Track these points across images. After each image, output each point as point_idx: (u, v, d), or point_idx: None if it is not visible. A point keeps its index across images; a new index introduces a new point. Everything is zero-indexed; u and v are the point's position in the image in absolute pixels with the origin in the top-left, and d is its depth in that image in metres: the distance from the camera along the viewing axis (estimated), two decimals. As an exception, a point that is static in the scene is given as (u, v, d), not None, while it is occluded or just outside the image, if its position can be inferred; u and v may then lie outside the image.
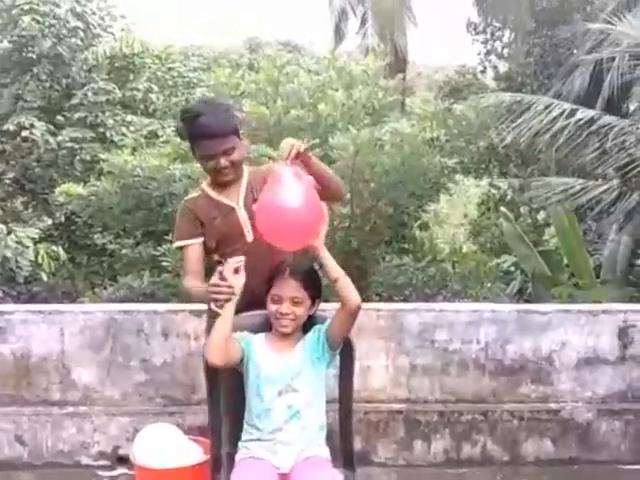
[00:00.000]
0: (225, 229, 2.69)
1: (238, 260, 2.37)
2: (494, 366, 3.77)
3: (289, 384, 2.44)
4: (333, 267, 2.39)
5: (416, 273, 6.07)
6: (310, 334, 2.49)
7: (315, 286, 2.49)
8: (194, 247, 2.72)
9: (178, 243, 2.76)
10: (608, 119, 6.62)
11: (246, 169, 2.80)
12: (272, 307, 2.44)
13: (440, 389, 3.76)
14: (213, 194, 2.74)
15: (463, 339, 3.74)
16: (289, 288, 2.41)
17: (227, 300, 2.35)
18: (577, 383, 3.79)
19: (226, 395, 2.60)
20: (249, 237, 2.68)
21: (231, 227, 2.70)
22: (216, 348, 2.37)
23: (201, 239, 2.72)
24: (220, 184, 2.73)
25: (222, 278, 2.35)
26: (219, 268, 2.38)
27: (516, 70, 11.91)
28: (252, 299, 2.49)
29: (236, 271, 2.35)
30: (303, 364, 2.45)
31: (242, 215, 2.71)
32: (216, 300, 2.38)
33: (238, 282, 2.35)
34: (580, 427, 3.77)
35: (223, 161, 2.65)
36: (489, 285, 6.36)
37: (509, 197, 9.22)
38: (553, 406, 3.78)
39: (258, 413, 2.45)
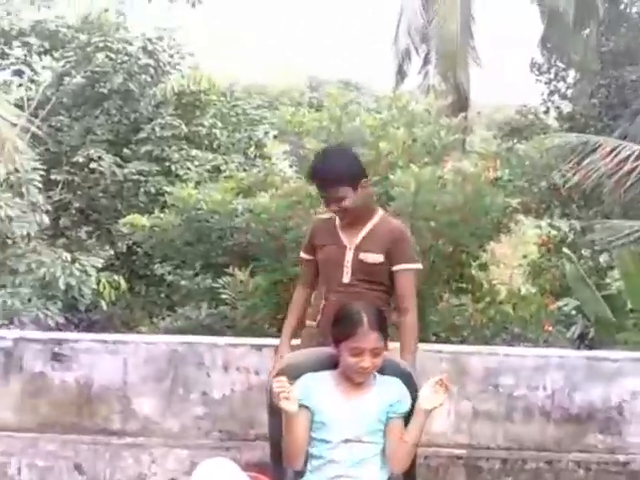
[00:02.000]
0: (330, 259, 2.94)
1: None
2: (560, 414, 3.63)
3: (357, 435, 2.39)
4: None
5: (475, 314, 5.95)
6: (384, 393, 2.43)
7: (386, 330, 2.47)
8: (305, 261, 3.11)
9: (301, 254, 3.15)
10: (677, 162, 6.43)
11: (379, 214, 2.97)
12: (351, 360, 2.37)
13: (503, 436, 3.64)
14: (338, 223, 2.96)
15: (529, 385, 3.63)
16: (371, 340, 2.36)
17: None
18: (648, 435, 3.62)
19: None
20: (346, 278, 2.89)
21: (335, 261, 2.93)
22: (294, 456, 2.40)
23: (311, 257, 3.06)
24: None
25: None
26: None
27: (580, 111, 11.74)
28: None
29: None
30: (372, 418, 2.40)
31: (348, 256, 2.91)
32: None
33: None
34: (651, 482, 3.59)
35: (333, 206, 2.87)
36: (550, 329, 6.19)
37: (570, 239, 9.02)
38: (621, 458, 3.61)
39: (321, 456, 2.41)
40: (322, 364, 2.53)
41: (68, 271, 6.71)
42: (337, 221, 2.96)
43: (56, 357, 3.73)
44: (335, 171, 2.82)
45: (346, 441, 2.39)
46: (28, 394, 3.72)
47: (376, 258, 2.86)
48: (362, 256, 2.88)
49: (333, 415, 2.40)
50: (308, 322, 3.07)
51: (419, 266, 3.03)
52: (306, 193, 6.05)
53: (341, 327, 2.43)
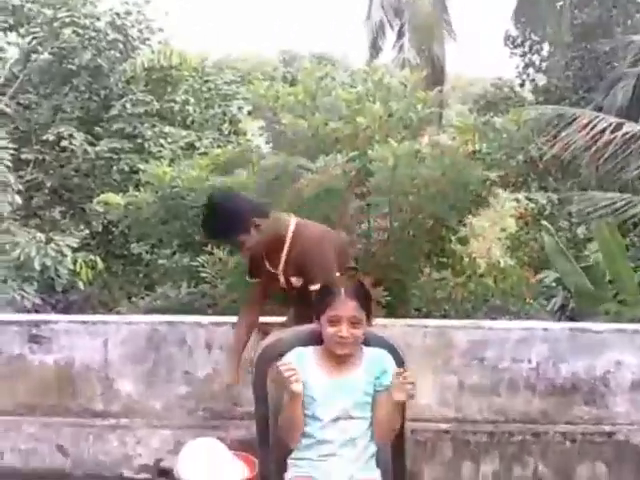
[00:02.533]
0: (270, 281, 3.20)
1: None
2: (545, 386, 3.66)
3: (346, 411, 2.38)
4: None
5: (456, 288, 5.96)
6: (370, 366, 2.42)
7: (369, 304, 2.45)
8: (253, 284, 3.28)
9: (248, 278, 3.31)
10: (655, 133, 6.47)
11: (290, 234, 3.06)
12: (330, 329, 2.36)
13: (489, 409, 3.66)
14: (263, 253, 3.14)
15: (514, 358, 3.64)
16: (348, 309, 2.35)
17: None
18: (633, 405, 3.66)
19: (275, 411, 2.55)
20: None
21: (274, 284, 3.19)
22: (294, 435, 2.40)
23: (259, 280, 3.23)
24: None
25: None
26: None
27: (555, 84, 11.75)
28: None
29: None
30: (360, 393, 2.39)
31: (282, 280, 3.13)
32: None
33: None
34: (636, 451, 3.64)
35: (241, 252, 3.21)
36: (530, 301, 6.22)
37: (548, 211, 9.07)
38: (607, 429, 3.65)
39: (312, 434, 2.39)
40: (309, 340, 2.51)
41: (43, 251, 6.57)
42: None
43: (34, 339, 3.65)
44: (220, 228, 3.00)
45: (336, 419, 2.37)
46: (7, 377, 3.66)
47: (298, 282, 3.05)
48: (290, 280, 3.09)
49: (321, 390, 2.38)
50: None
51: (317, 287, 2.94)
52: (283, 169, 5.97)
53: (321, 298, 2.43)
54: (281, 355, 2.44)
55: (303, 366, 2.38)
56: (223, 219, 2.99)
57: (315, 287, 2.89)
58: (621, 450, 3.63)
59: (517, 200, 9.48)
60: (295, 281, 3.04)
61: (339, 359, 2.40)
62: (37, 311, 6.14)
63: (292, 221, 3.08)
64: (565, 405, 3.66)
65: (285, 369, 2.28)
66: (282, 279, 3.10)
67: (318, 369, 2.41)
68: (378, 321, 3.84)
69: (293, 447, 2.42)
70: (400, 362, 2.52)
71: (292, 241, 3.03)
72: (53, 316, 4.33)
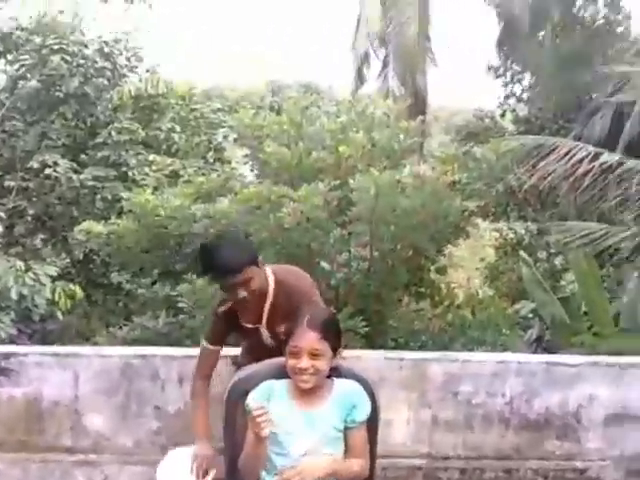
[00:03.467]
0: (250, 339, 3.01)
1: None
2: (519, 421, 3.64)
3: (315, 446, 2.33)
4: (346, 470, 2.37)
5: (433, 319, 5.97)
6: (339, 400, 2.37)
7: (336, 336, 2.38)
8: (212, 352, 3.01)
9: (205, 344, 3.03)
10: (632, 163, 6.53)
11: (271, 285, 2.91)
12: (291, 362, 2.31)
13: (463, 444, 3.63)
14: (239, 315, 2.95)
15: (488, 392, 3.62)
16: (308, 340, 2.28)
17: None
18: (605, 441, 3.65)
19: (242, 449, 2.52)
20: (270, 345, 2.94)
21: (256, 341, 2.97)
22: (256, 472, 2.36)
23: (219, 348, 3.02)
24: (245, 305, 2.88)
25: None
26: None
27: (535, 114, 11.90)
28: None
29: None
30: (329, 428, 2.35)
31: (264, 335, 2.96)
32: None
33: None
34: (608, 488, 3.62)
35: (241, 292, 2.78)
36: (507, 332, 6.23)
37: (526, 241, 9.13)
38: (579, 465, 3.64)
39: (281, 468, 2.35)
40: (281, 373, 2.47)
41: (21, 280, 6.51)
42: (238, 313, 2.96)
43: (3, 372, 3.60)
44: (232, 257, 2.77)
45: (304, 454, 2.33)
46: (-26, 412, 3.59)
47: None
48: (277, 330, 2.88)
49: (289, 426, 2.34)
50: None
51: None
52: (266, 198, 5.98)
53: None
54: (252, 388, 2.41)
55: (272, 400, 2.35)
56: (242, 244, 2.96)
57: None
58: (593, 486, 3.61)
59: (496, 230, 9.53)
60: (282, 331, 2.82)
61: (307, 393, 2.36)
62: (13, 342, 6.05)
63: (269, 270, 2.96)
64: (538, 440, 3.64)
65: (257, 413, 2.23)
66: (265, 333, 2.95)
67: (287, 403, 2.37)
68: (354, 352, 3.84)
69: None
70: (372, 397, 2.49)
71: (275, 292, 2.92)
72: (23, 348, 4.26)
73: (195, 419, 3.01)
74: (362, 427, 2.39)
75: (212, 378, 3.06)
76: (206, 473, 2.81)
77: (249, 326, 2.97)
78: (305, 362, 2.29)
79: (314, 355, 2.29)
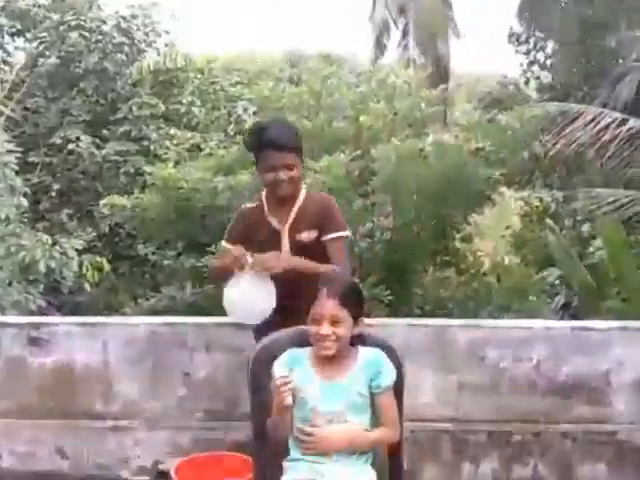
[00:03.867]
0: (266, 247, 2.83)
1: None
2: (546, 385, 3.62)
3: (341, 413, 2.34)
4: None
5: (459, 287, 5.94)
6: (364, 367, 2.36)
7: (356, 303, 2.38)
8: (231, 252, 2.90)
9: (224, 243, 3.00)
10: (660, 128, 6.42)
11: (303, 192, 2.88)
12: (312, 329, 2.33)
13: (490, 408, 3.63)
14: (266, 210, 2.88)
15: (515, 357, 3.61)
16: (328, 307, 2.30)
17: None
18: (634, 404, 3.62)
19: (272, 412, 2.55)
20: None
21: (272, 248, 2.84)
22: (282, 436, 2.36)
23: (241, 248, 2.87)
24: (276, 198, 2.83)
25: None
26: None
27: (560, 80, 11.70)
28: (287, 315, 2.59)
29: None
30: (354, 395, 2.34)
31: (284, 240, 2.87)
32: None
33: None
34: (637, 451, 3.60)
35: (282, 174, 2.77)
36: (534, 299, 6.18)
37: (552, 209, 9.03)
38: (609, 428, 3.62)
39: (300, 428, 2.37)
40: (304, 341, 2.48)
41: (48, 254, 6.59)
42: (265, 207, 2.92)
43: (34, 341, 3.67)
44: (286, 136, 2.81)
45: (331, 422, 2.34)
46: (6, 379, 3.67)
47: (311, 235, 2.85)
48: (298, 237, 2.87)
49: (315, 393, 2.35)
50: None
51: (347, 233, 3.05)
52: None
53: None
54: (276, 357, 2.43)
55: (296, 368, 2.36)
56: (294, 129, 2.96)
57: (333, 235, 2.89)
58: (622, 450, 3.59)
59: (522, 198, 9.43)
60: (306, 236, 2.86)
61: (331, 360, 2.37)
62: (43, 313, 6.16)
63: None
64: (566, 404, 3.62)
65: (279, 382, 2.25)
66: (286, 238, 2.89)
67: (311, 371, 2.37)
68: (379, 320, 3.84)
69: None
70: (397, 362, 2.49)
71: (306, 195, 2.94)
72: (52, 318, 4.36)
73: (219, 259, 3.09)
74: (389, 392, 2.39)
75: None
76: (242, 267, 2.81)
77: (273, 226, 2.90)
78: (326, 328, 2.30)
79: (334, 322, 2.31)
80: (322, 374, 2.37)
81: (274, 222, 2.88)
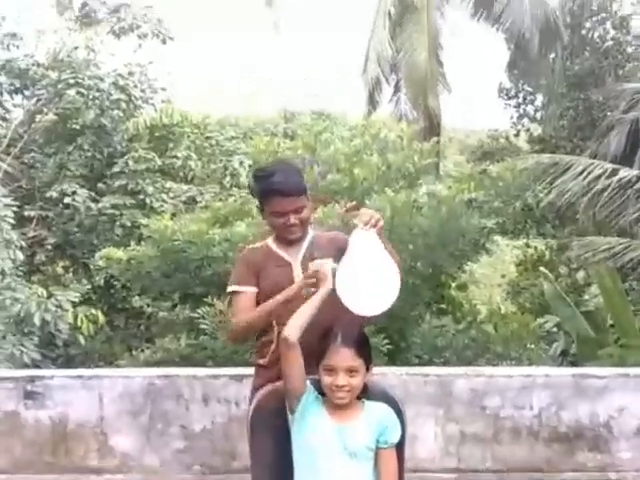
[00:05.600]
0: (278, 281, 2.65)
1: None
2: (548, 433, 3.59)
3: (346, 461, 2.30)
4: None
5: (456, 335, 5.92)
6: (371, 421, 2.33)
7: (368, 352, 2.37)
8: (247, 295, 2.69)
9: (233, 287, 2.73)
10: (650, 179, 6.53)
11: (311, 231, 2.84)
12: (327, 379, 2.28)
13: (492, 457, 3.58)
14: (274, 247, 2.78)
15: (516, 405, 3.58)
16: (343, 358, 2.27)
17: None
18: (638, 451, 3.58)
19: (271, 465, 2.49)
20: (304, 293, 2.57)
21: (284, 281, 2.66)
22: (297, 326, 2.30)
23: (254, 289, 2.69)
24: (285, 241, 2.76)
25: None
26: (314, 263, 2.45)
27: (550, 133, 11.93)
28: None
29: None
30: (361, 446, 2.31)
31: (297, 271, 2.70)
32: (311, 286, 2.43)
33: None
34: (643, 499, 3.55)
35: (292, 219, 2.68)
36: (532, 347, 6.17)
37: (547, 257, 9.09)
38: (613, 476, 3.57)
39: None
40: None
41: (43, 306, 6.58)
42: (273, 247, 2.78)
43: (29, 395, 3.62)
44: (293, 180, 2.72)
45: (335, 469, 2.30)
46: (1, 434, 3.60)
47: (329, 264, 2.57)
48: (310, 266, 2.61)
49: (322, 438, 2.31)
50: (258, 362, 2.79)
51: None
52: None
53: (318, 348, 2.34)
54: (279, 408, 2.39)
55: (311, 408, 2.33)
56: (299, 171, 2.84)
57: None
58: (628, 498, 3.54)
59: (516, 247, 9.52)
60: (328, 264, 2.55)
61: (340, 409, 2.33)
62: (37, 366, 6.10)
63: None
64: (569, 452, 3.58)
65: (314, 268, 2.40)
66: (299, 270, 2.68)
67: (321, 413, 2.33)
68: (378, 369, 3.81)
69: (289, 337, 2.30)
70: (398, 413, 2.47)
71: (316, 233, 2.83)
72: (48, 371, 4.30)
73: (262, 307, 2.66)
74: (393, 450, 2.37)
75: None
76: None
77: (284, 259, 2.73)
78: (341, 379, 2.27)
79: (350, 372, 2.28)
80: (333, 419, 2.33)
81: (284, 255, 2.75)
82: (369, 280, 2.43)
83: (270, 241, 2.81)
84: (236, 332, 2.72)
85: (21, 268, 7.33)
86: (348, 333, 2.33)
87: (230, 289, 2.74)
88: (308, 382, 2.35)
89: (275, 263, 2.72)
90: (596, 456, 3.58)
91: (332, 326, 2.38)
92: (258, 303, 2.67)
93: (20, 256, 6.97)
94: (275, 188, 2.69)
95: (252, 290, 2.69)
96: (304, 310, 2.33)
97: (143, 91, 10.95)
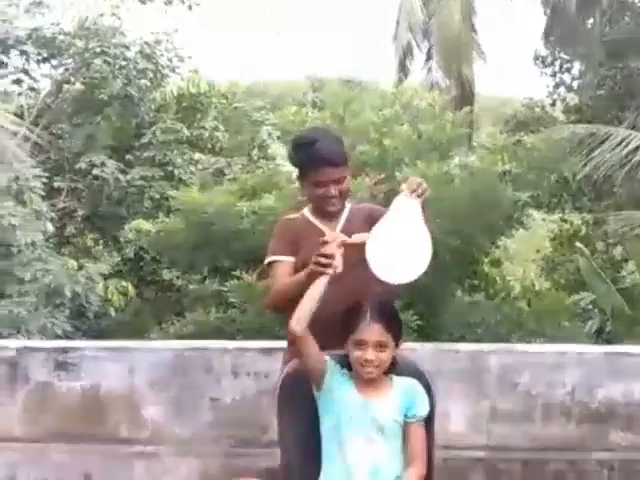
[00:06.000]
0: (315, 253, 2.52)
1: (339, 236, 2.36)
2: (581, 412, 3.53)
3: (374, 436, 2.30)
4: None
5: (489, 311, 5.84)
6: (399, 395, 2.35)
7: (398, 326, 2.38)
8: (285, 264, 2.64)
9: (270, 258, 2.68)
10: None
11: (348, 204, 2.76)
12: (356, 353, 2.30)
13: (523, 436, 3.53)
14: (311, 218, 2.72)
15: (548, 382, 3.52)
16: (373, 332, 2.29)
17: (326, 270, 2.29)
18: (675, 431, 3.51)
19: (299, 440, 2.49)
20: (338, 268, 2.44)
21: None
22: (303, 318, 2.28)
23: (292, 258, 2.64)
24: (323, 213, 2.69)
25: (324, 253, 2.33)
26: (324, 238, 2.38)
27: (587, 102, 11.62)
28: (324, 329, 2.36)
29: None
30: (388, 420, 2.32)
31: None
32: (321, 267, 2.33)
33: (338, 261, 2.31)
34: (678, 479, 3.48)
35: (333, 190, 2.62)
36: (566, 324, 6.08)
37: (583, 232, 8.92)
38: (647, 456, 3.50)
39: (335, 458, 2.32)
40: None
41: (74, 278, 6.66)
42: (310, 217, 2.72)
43: (61, 366, 3.65)
44: (336, 150, 2.63)
45: (362, 443, 2.31)
46: (34, 404, 3.65)
47: (364, 236, 2.50)
48: (349, 240, 2.53)
49: (349, 413, 2.32)
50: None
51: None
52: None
53: (346, 322, 2.35)
54: (306, 383, 2.39)
55: (338, 384, 2.34)
56: (340, 140, 2.74)
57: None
58: (663, 479, 3.48)
59: (552, 221, 9.35)
60: (356, 238, 2.49)
61: (368, 384, 2.34)
62: (68, 338, 6.19)
63: None
64: (602, 431, 3.52)
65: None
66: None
67: (348, 389, 2.35)
68: (408, 345, 3.78)
69: (295, 330, 2.30)
70: (428, 387, 2.45)
71: (351, 206, 2.76)
72: (80, 343, 4.35)
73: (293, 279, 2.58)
74: (421, 424, 2.37)
75: None
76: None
77: (322, 231, 2.64)
78: (371, 354, 2.28)
79: (379, 347, 2.30)
80: (360, 393, 2.33)
81: (322, 227, 2.68)
82: (402, 247, 2.38)
83: (306, 211, 2.75)
84: (272, 300, 2.67)
85: (51, 240, 7.41)
86: (378, 308, 2.34)
87: (268, 260, 2.69)
88: (328, 358, 2.35)
89: (314, 234, 2.61)
90: (629, 436, 3.52)
91: (361, 301, 2.36)
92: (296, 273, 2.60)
93: (50, 228, 7.06)
94: (319, 156, 2.59)
95: (290, 260, 2.64)
96: (305, 301, 2.31)
97: (170, 60, 10.93)
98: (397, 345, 2.35)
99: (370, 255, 2.35)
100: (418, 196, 2.43)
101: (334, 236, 2.44)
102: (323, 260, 2.33)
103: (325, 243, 2.37)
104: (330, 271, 2.31)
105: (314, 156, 2.61)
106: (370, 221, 2.55)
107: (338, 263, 2.33)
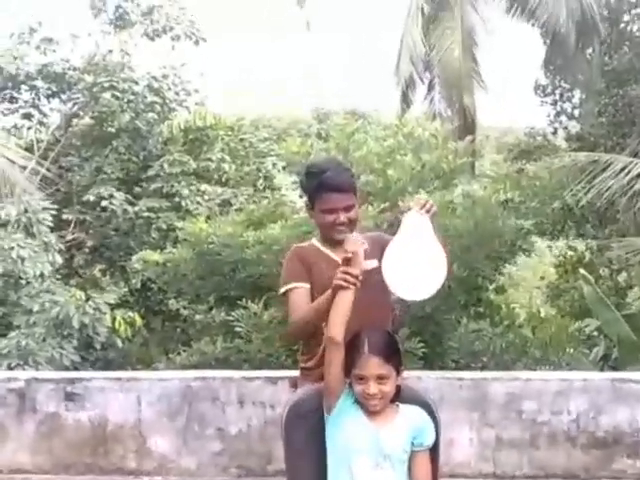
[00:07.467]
0: (328, 281, 2.53)
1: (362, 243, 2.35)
2: (586, 439, 3.53)
3: (381, 464, 2.30)
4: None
5: (494, 339, 5.83)
6: (406, 424, 2.34)
7: (397, 356, 2.36)
8: (301, 291, 2.66)
9: (285, 287, 2.69)
10: (692, 177, 6.36)
11: (355, 232, 2.81)
12: (358, 387, 2.30)
13: (528, 463, 3.53)
14: (321, 247, 2.76)
15: (552, 410, 3.53)
16: (373, 366, 2.27)
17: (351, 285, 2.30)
18: (681, 458, 3.50)
19: (306, 468, 2.50)
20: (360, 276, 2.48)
21: (331, 281, 2.54)
22: (339, 323, 2.29)
23: (308, 285, 2.66)
24: (331, 241, 2.74)
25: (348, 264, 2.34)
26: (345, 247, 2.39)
27: (588, 130, 11.70)
28: None
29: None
30: (397, 449, 2.32)
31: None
32: (344, 283, 2.34)
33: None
34: (686, 507, 3.46)
35: (342, 217, 2.67)
36: (571, 351, 6.05)
37: (587, 259, 8.91)
38: (654, 484, 3.50)
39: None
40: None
41: (82, 309, 6.70)
42: (320, 245, 2.76)
43: (69, 397, 3.69)
44: (345, 177, 2.72)
45: (370, 470, 2.30)
46: (42, 435, 3.68)
47: (372, 263, 2.53)
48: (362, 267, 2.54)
49: (358, 440, 2.32)
50: (302, 365, 2.77)
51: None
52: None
53: (347, 356, 2.34)
54: (309, 412, 2.41)
55: (349, 410, 2.34)
56: (348, 169, 2.83)
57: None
58: (670, 506, 3.46)
59: (556, 248, 9.35)
60: (368, 264, 2.50)
61: (376, 413, 2.34)
62: (76, 369, 6.21)
63: None
64: (607, 458, 3.52)
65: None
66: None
67: (357, 414, 2.34)
68: (413, 373, 3.80)
69: (334, 336, 2.29)
70: (432, 416, 2.46)
71: (358, 233, 2.68)
72: (87, 373, 4.39)
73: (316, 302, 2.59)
74: (427, 453, 2.37)
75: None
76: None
77: (332, 258, 2.69)
78: (372, 388, 2.28)
79: (380, 379, 2.29)
80: (369, 419, 2.34)
81: (332, 255, 2.72)
82: (418, 264, 2.39)
83: (315, 241, 2.81)
84: (294, 328, 2.66)
85: (60, 271, 7.46)
86: (375, 340, 2.32)
87: (284, 289, 2.70)
88: (347, 381, 2.35)
89: (324, 262, 2.68)
90: (635, 463, 3.51)
91: (359, 333, 2.36)
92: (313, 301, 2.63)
93: (59, 259, 7.12)
94: (328, 183, 2.67)
95: (306, 286, 2.66)
96: (339, 309, 2.32)
97: (177, 93, 11.09)
98: (399, 374, 2.34)
99: (387, 273, 2.35)
100: (427, 211, 2.50)
101: (355, 239, 2.45)
102: (351, 279, 2.34)
103: (348, 260, 2.38)
104: (353, 286, 2.32)
105: (324, 183, 2.68)
106: (380, 248, 2.58)
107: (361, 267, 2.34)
